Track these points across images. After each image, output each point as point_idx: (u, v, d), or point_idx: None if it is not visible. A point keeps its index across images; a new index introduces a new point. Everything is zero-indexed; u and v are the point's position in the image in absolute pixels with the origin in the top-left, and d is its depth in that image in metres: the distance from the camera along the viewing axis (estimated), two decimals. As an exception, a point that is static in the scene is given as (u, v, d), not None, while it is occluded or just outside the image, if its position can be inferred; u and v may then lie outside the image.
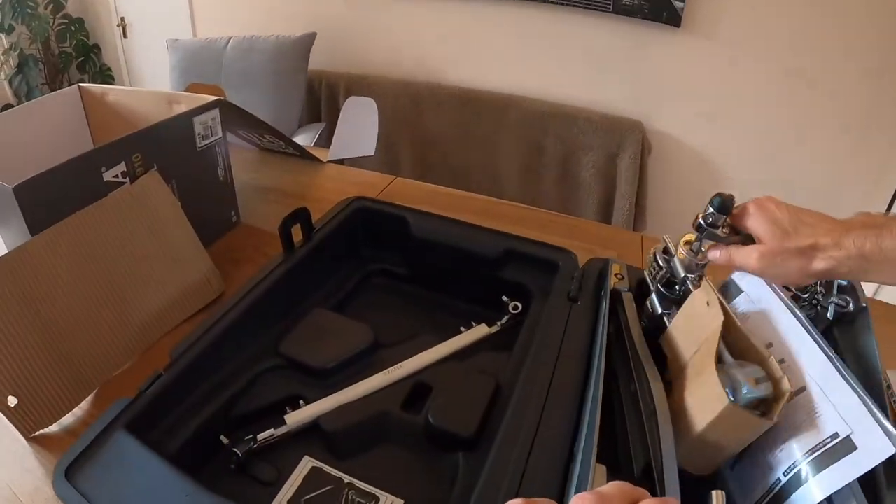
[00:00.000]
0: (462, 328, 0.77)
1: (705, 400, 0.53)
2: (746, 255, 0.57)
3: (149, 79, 3.76)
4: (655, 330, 0.66)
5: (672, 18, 2.44)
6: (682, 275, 0.64)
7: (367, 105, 1.60)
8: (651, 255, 0.70)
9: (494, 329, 0.78)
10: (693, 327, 0.62)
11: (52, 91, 3.46)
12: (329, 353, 0.70)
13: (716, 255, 0.61)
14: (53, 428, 0.66)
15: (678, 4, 2.41)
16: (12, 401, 0.62)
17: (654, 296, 0.69)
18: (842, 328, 0.61)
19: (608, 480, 0.41)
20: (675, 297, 0.67)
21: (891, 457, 0.43)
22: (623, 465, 0.57)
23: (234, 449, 0.60)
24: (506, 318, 0.79)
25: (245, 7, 3.19)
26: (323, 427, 0.63)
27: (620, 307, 0.69)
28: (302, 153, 1.43)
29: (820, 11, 2.25)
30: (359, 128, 1.57)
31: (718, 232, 0.61)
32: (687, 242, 0.65)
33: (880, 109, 2.26)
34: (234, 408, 0.65)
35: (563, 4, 2.56)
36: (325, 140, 2.56)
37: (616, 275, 0.73)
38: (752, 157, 2.56)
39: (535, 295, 0.79)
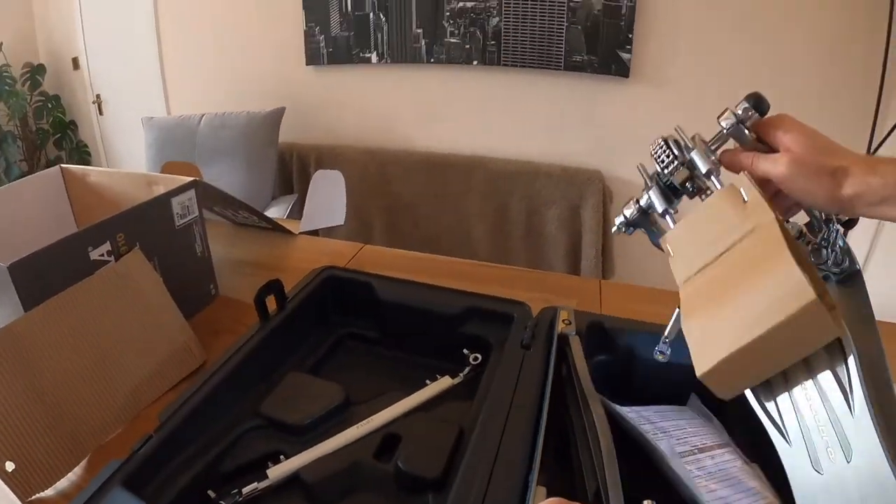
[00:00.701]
0: (427, 381, 0.83)
1: (772, 298, 0.45)
2: (774, 160, 0.54)
3: (125, 155, 3.83)
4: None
5: (620, 70, 2.58)
6: (707, 168, 0.58)
7: (335, 177, 1.69)
8: (658, 145, 0.64)
9: (457, 380, 0.84)
10: (713, 229, 0.56)
11: (29, 167, 3.57)
12: (305, 412, 0.76)
13: (737, 158, 0.57)
14: (49, 492, 0.71)
15: (625, 56, 2.54)
16: (10, 466, 0.67)
17: (651, 192, 0.64)
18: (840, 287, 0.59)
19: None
20: (685, 192, 0.62)
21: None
22: (578, 492, 0.63)
23: (222, 502, 0.65)
24: (467, 369, 0.85)
25: (217, 84, 3.31)
26: (303, 478, 0.69)
27: (568, 349, 0.76)
28: (274, 226, 1.50)
29: (760, 59, 2.40)
30: (328, 199, 1.65)
31: (746, 133, 0.57)
32: (703, 140, 0.60)
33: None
34: (220, 464, 0.70)
35: (518, 66, 2.69)
36: (298, 211, 2.64)
37: (564, 321, 0.80)
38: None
39: (493, 346, 0.86)
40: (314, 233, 1.60)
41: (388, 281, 0.96)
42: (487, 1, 2.67)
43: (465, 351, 0.87)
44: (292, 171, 3.01)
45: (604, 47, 2.59)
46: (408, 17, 2.82)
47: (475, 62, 2.75)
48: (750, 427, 0.74)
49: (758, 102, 0.56)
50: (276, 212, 2.67)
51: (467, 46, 2.74)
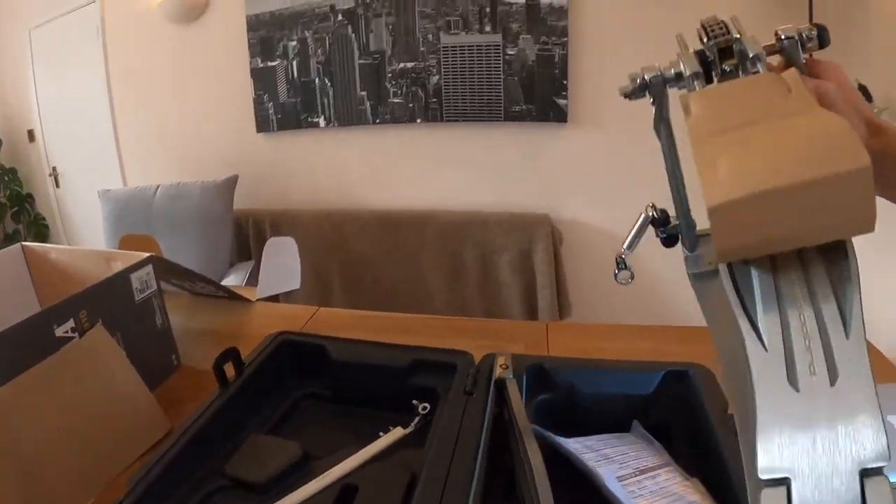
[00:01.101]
0: (381, 433, 0.89)
1: (822, 149, 0.39)
2: (824, 82, 0.53)
3: (82, 227, 3.86)
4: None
5: (558, 116, 2.71)
6: (754, 52, 0.53)
7: (288, 243, 1.74)
8: (711, 18, 0.59)
9: (409, 430, 0.90)
10: (750, 99, 0.49)
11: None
12: (267, 470, 0.81)
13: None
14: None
15: (562, 102, 2.67)
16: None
17: (686, 60, 0.59)
18: None
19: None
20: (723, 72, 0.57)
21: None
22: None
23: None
24: (417, 418, 0.91)
25: (171, 155, 3.38)
26: (267, 533, 0.74)
27: (506, 392, 0.82)
28: (231, 295, 1.55)
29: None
30: (283, 265, 1.70)
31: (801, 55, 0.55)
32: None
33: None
34: (189, 527, 0.75)
35: (460, 121, 2.79)
36: (256, 277, 2.68)
37: (501, 366, 0.86)
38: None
39: (440, 394, 0.92)
40: (274, 298, 1.65)
41: (339, 342, 1.02)
42: (427, 60, 2.79)
43: (415, 401, 0.93)
44: (249, 238, 3.06)
45: (541, 96, 2.72)
46: (352, 81, 2.92)
47: (419, 120, 2.86)
48: (690, 444, 0.82)
49: (822, 31, 0.53)
50: (234, 279, 2.71)
51: (410, 105, 2.85)
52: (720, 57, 0.56)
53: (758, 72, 0.52)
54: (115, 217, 2.99)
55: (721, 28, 0.56)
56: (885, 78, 2.17)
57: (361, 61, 2.93)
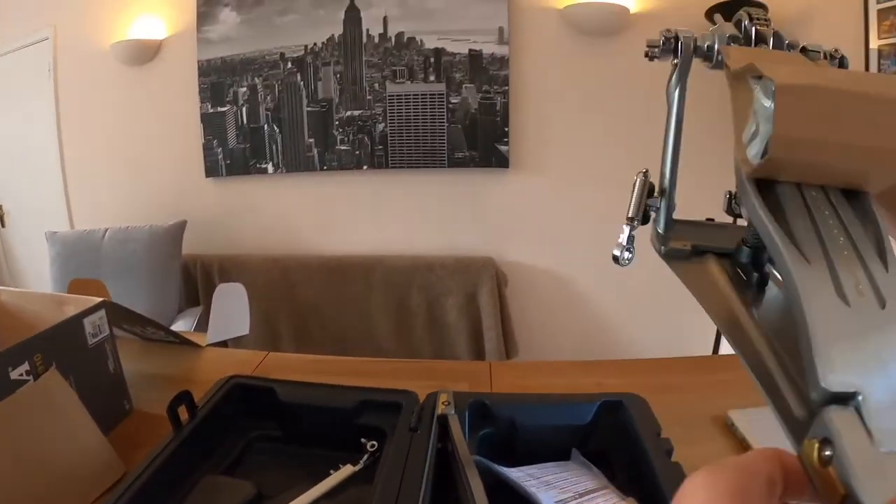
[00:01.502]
0: (331, 471, 0.93)
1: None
2: None
3: (28, 268, 3.81)
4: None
5: (500, 162, 2.80)
6: (789, 41, 0.54)
7: (237, 289, 1.78)
8: (753, 11, 0.56)
9: (358, 467, 0.94)
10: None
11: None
12: (221, 511, 0.84)
13: None
14: None
15: (503, 148, 2.76)
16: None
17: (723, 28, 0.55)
18: None
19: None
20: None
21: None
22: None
23: None
24: (365, 456, 0.95)
25: (119, 198, 3.37)
26: (221, 571, 0.77)
27: (449, 427, 0.87)
28: (182, 341, 1.57)
29: (625, 140, 2.66)
30: (232, 311, 1.73)
31: None
32: None
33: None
34: (145, 569, 0.77)
35: (405, 168, 2.87)
36: (205, 323, 2.67)
37: (443, 402, 0.92)
38: (595, 263, 2.87)
39: (387, 432, 0.96)
40: (223, 344, 1.67)
41: (289, 384, 1.05)
42: (373, 108, 2.87)
43: (363, 440, 0.97)
44: (197, 283, 3.06)
45: (483, 142, 2.82)
46: (300, 127, 2.98)
47: (365, 167, 2.93)
48: (627, 468, 0.88)
49: (843, 59, 0.53)
50: (183, 325, 2.71)
51: (357, 152, 2.92)
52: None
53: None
54: (62, 259, 2.96)
55: (766, 19, 0.55)
56: None
57: (310, 109, 2.99)
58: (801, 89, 0.37)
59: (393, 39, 2.91)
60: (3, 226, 3.81)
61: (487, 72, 2.83)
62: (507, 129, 2.82)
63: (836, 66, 0.52)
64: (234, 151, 3.13)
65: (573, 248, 2.90)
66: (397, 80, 2.90)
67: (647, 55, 0.59)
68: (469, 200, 2.94)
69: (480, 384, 1.25)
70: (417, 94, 2.89)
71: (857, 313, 0.34)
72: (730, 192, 0.53)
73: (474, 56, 2.83)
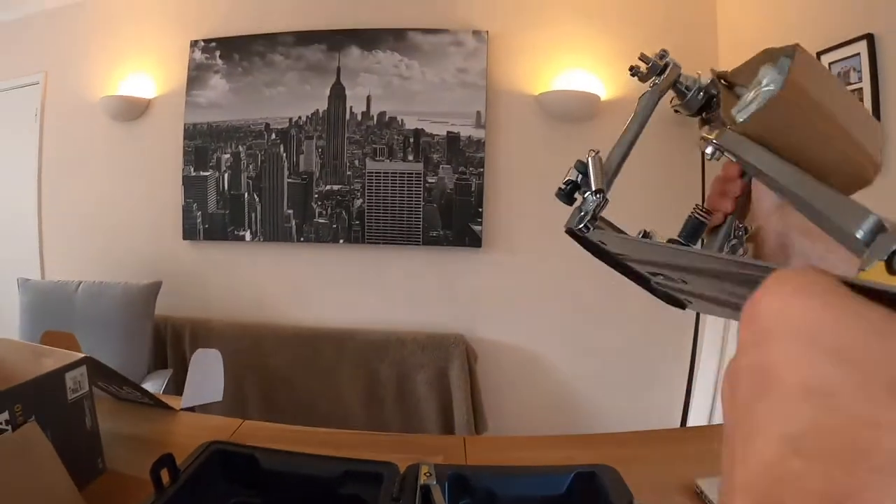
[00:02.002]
0: (311, 539, 0.95)
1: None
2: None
3: None
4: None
5: (473, 241, 2.88)
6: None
7: (213, 356, 1.79)
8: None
9: (339, 537, 0.97)
10: None
11: None
12: (202, 575, 0.86)
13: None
14: None
15: (477, 228, 2.84)
16: None
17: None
18: None
19: None
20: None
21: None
22: None
23: None
24: (347, 526, 0.98)
25: (93, 252, 3.37)
26: None
27: (431, 498, 0.91)
28: (157, 403, 1.58)
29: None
30: (207, 377, 1.74)
31: None
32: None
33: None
34: None
35: (381, 244, 2.93)
36: (173, 386, 2.66)
37: (426, 473, 0.95)
38: (563, 339, 2.95)
39: (369, 502, 0.99)
40: (191, 409, 1.68)
41: (271, 452, 1.08)
42: (352, 184, 2.94)
43: (343, 510, 1.00)
44: (166, 345, 3.04)
45: (457, 222, 2.89)
46: (280, 198, 3.04)
47: (342, 240, 2.99)
48: None
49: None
50: (151, 386, 2.68)
51: (334, 226, 2.98)
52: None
53: None
54: (34, 308, 2.94)
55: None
56: None
57: (290, 180, 3.06)
58: (812, 60, 0.51)
59: (375, 118, 3.01)
60: (-32, 267, 3.75)
61: (464, 153, 2.93)
62: (480, 210, 2.91)
63: None
64: (213, 216, 3.17)
65: (542, 324, 2.96)
66: (377, 158, 2.99)
67: (632, 71, 0.71)
68: (442, 278, 3.01)
69: (455, 457, 1.28)
70: (396, 172, 2.98)
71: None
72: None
73: (452, 138, 2.94)
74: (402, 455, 1.09)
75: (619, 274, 0.66)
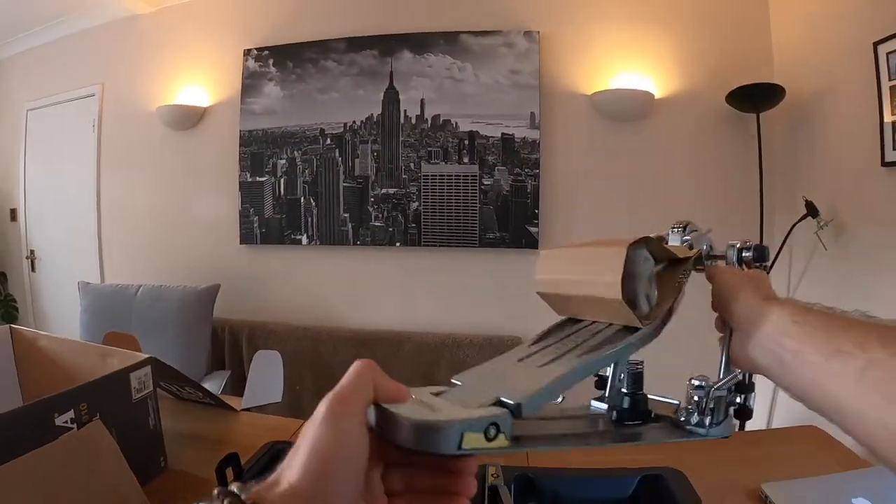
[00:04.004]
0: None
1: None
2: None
3: (54, 314, 3.88)
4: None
5: (530, 243, 2.85)
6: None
7: (274, 357, 1.81)
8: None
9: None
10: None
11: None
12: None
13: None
14: None
15: (533, 230, 2.81)
16: None
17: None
18: None
19: None
20: None
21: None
22: None
23: None
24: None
25: (151, 256, 3.45)
26: None
27: (499, 498, 0.89)
28: (219, 403, 1.58)
29: (653, 217, 2.71)
30: (267, 378, 1.76)
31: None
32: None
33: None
34: None
35: (437, 246, 2.91)
36: (231, 387, 2.70)
37: (492, 474, 0.94)
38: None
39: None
40: (248, 409, 1.69)
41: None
42: (408, 188, 2.94)
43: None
44: (224, 347, 3.08)
45: (514, 224, 2.87)
46: (336, 202, 3.06)
47: (398, 243, 2.99)
48: None
49: (761, 250, 0.62)
50: (210, 387, 2.66)
51: (390, 229, 2.98)
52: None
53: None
54: (94, 310, 3.02)
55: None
56: (829, 193, 2.38)
57: (346, 184, 3.08)
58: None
59: (429, 121, 3.01)
60: (32, 270, 3.89)
61: (519, 155, 2.91)
62: (537, 211, 2.88)
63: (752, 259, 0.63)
64: (269, 221, 3.21)
65: (598, 330, 2.91)
66: (432, 161, 2.99)
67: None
68: (498, 280, 2.98)
69: (517, 459, 1.26)
70: (451, 175, 2.97)
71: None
72: None
73: (507, 139, 2.92)
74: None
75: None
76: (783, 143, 2.70)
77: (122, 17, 3.51)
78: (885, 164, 2.08)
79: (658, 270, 0.62)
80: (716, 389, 0.58)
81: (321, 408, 0.42)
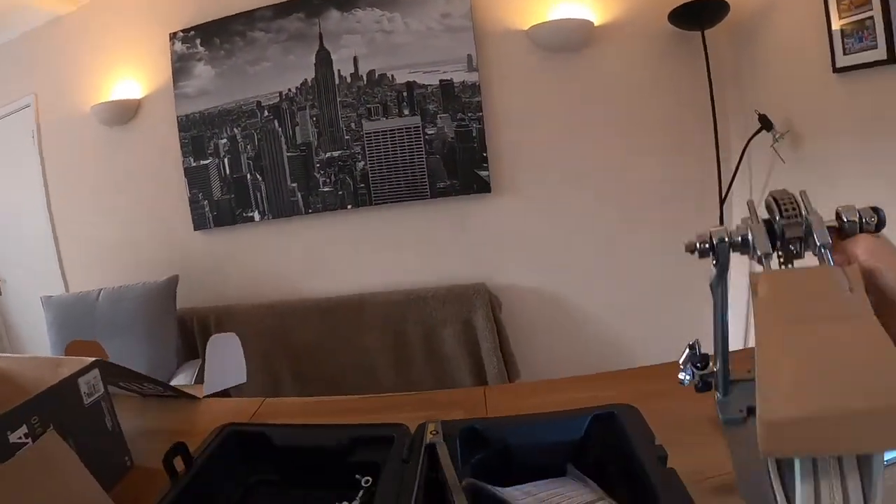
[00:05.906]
0: (329, 510, 0.94)
1: (884, 384, 0.41)
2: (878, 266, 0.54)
3: (27, 334, 3.86)
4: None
5: (482, 187, 2.84)
6: (823, 241, 0.56)
7: (230, 339, 1.79)
8: (787, 195, 0.62)
9: (354, 503, 0.96)
10: (814, 296, 0.51)
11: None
12: (220, 560, 0.85)
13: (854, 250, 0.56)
14: None
15: (484, 174, 2.80)
16: None
17: (757, 232, 0.60)
18: None
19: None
20: (784, 248, 0.60)
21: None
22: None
23: None
24: (361, 492, 0.96)
25: (111, 258, 3.42)
26: None
27: (437, 456, 0.89)
28: (179, 394, 1.58)
29: (603, 154, 2.69)
30: (226, 361, 1.74)
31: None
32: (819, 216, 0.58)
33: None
34: None
35: (389, 203, 2.90)
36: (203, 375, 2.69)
37: (431, 432, 0.93)
38: (585, 276, 2.93)
39: (381, 466, 0.97)
40: (225, 393, 1.67)
41: (282, 428, 1.07)
42: (352, 148, 2.91)
43: (358, 476, 0.98)
44: (195, 336, 3.07)
45: (463, 169, 2.85)
46: (282, 173, 3.02)
47: (349, 206, 2.96)
48: (623, 478, 0.88)
49: (881, 215, 0.56)
50: (183, 378, 2.71)
51: (340, 193, 2.95)
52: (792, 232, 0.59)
53: (822, 258, 0.56)
54: (59, 323, 2.98)
55: (794, 207, 0.60)
56: (781, 105, 2.37)
57: (290, 154, 3.03)
58: (787, 423, 0.41)
59: (365, 78, 2.95)
60: (0, 293, 3.83)
61: (460, 100, 2.87)
62: (485, 154, 2.86)
63: (874, 229, 0.57)
64: (219, 203, 3.16)
65: (561, 263, 2.92)
66: (373, 118, 2.95)
67: (689, 251, 0.66)
68: (455, 228, 2.97)
69: (477, 410, 1.26)
70: (394, 129, 2.93)
71: None
72: None
73: (446, 86, 2.88)
74: (421, 413, 1.07)
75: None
76: (731, 59, 2.69)
77: (44, 22, 3.41)
78: (836, 70, 2.05)
79: None
80: None
81: None
